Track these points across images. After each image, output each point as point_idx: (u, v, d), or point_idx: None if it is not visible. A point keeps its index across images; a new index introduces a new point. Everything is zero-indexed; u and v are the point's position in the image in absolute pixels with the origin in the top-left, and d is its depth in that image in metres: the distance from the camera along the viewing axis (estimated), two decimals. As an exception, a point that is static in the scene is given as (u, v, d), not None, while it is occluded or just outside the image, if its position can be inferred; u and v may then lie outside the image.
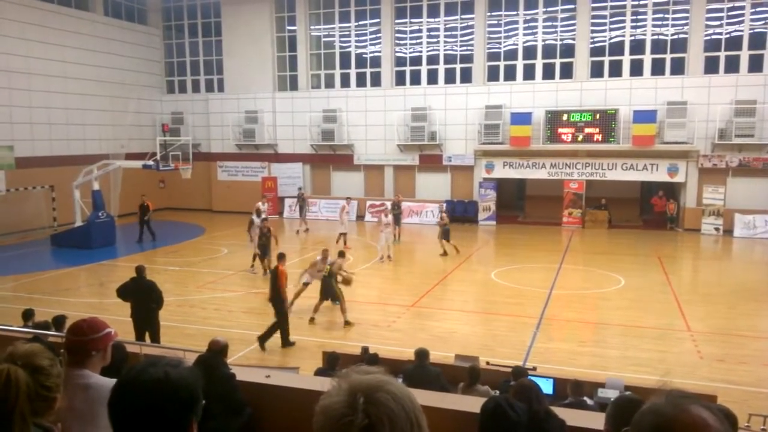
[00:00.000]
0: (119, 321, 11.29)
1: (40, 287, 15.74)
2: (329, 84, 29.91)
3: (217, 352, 5.82)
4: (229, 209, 29.47)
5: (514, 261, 19.08)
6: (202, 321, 12.90)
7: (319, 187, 30.05)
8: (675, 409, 1.34)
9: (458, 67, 27.64)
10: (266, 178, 29.74)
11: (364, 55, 29.23)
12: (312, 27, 29.87)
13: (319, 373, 7.08)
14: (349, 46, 29.39)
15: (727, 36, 24.10)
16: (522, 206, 29.15)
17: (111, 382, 2.30)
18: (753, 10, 23.64)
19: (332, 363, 6.90)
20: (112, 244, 21.68)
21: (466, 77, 27.47)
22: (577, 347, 11.35)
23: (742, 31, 23.86)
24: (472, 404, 4.09)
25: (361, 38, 29.20)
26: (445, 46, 27.83)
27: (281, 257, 12.08)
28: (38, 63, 25.18)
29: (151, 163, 22.65)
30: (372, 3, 28.55)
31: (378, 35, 28.66)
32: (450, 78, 27.78)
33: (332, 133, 28.65)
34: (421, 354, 6.92)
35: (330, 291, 12.48)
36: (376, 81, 28.81)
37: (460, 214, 26.83)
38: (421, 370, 6.64)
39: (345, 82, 29.46)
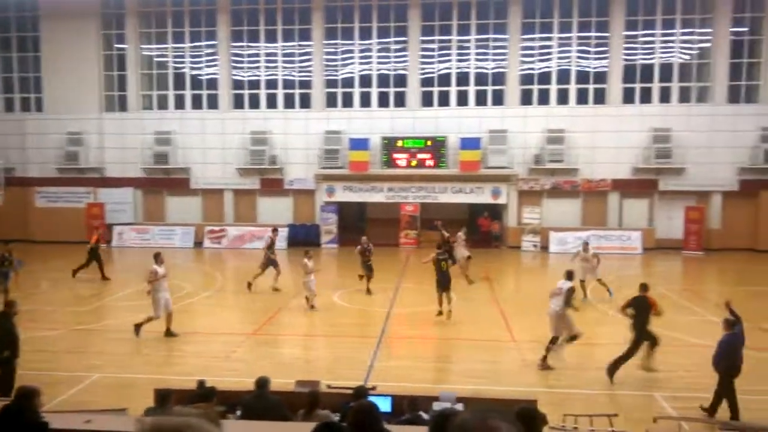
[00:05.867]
0: None
1: None
2: (162, 105, 28.64)
3: (24, 398, 5.22)
4: (51, 239, 26.91)
5: (356, 283, 19.43)
6: (21, 364, 11.57)
7: (153, 212, 28.49)
8: (476, 422, 1.50)
9: (297, 92, 27.87)
10: (92, 204, 27.62)
11: (199, 77, 28.43)
12: (143, 46, 28.50)
13: (148, 413, 6.66)
14: (184, 67, 28.44)
15: (539, 71, 26.83)
16: (363, 229, 29.82)
17: None
18: (560, 48, 26.59)
19: (164, 401, 6.53)
20: None
21: (306, 103, 27.78)
22: (416, 363, 11.80)
23: (551, 67, 26.70)
24: None
25: (196, 59, 28.39)
26: (283, 72, 27.93)
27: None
28: None
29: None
30: (208, 24, 27.94)
31: (214, 57, 28.06)
32: (289, 103, 27.91)
33: (166, 156, 27.42)
34: (261, 382, 6.79)
35: None
36: (213, 103, 28.13)
37: (302, 237, 26.85)
38: (260, 400, 6.51)
39: (179, 104, 28.41)
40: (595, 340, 13.26)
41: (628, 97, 26.33)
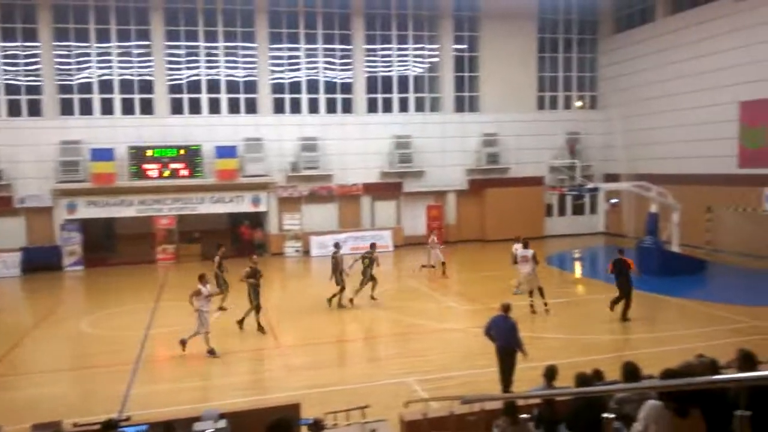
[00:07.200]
0: None
1: None
2: None
3: None
4: None
5: (107, 306, 17.98)
6: None
7: None
8: None
9: (24, 98, 24.81)
10: None
11: None
12: None
13: None
14: None
15: (290, 80, 27.48)
16: (112, 247, 27.59)
17: None
18: (307, 59, 27.54)
19: None
20: None
21: (36, 110, 24.82)
22: (180, 384, 11.36)
23: (300, 76, 27.54)
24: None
25: None
26: (5, 76, 24.58)
27: None
28: None
29: None
30: None
31: None
32: (15, 111, 24.70)
33: None
34: (-10, 435, 6.00)
35: None
36: None
37: (40, 261, 23.89)
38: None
39: None
40: (353, 336, 14.12)
41: (372, 107, 28.32)
